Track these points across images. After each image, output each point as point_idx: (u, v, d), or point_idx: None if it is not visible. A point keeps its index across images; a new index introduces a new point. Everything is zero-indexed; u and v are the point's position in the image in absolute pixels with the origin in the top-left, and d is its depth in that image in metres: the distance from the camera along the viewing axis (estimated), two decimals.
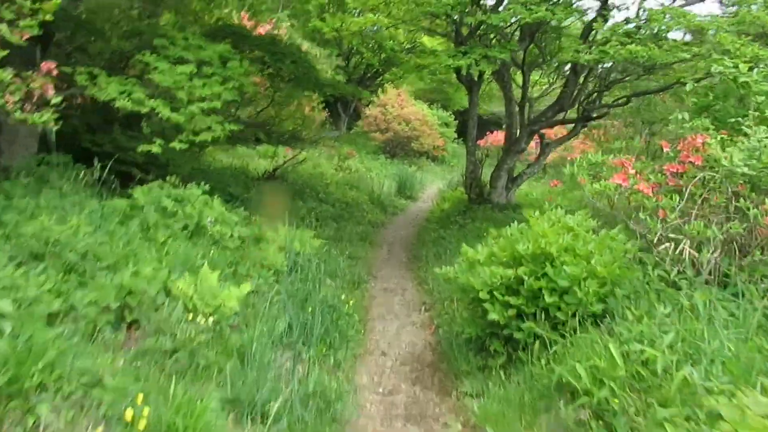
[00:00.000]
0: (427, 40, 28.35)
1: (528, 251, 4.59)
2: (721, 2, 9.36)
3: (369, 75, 31.45)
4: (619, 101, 9.94)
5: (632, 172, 4.81)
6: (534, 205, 11.16)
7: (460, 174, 16.33)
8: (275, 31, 13.29)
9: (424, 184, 18.18)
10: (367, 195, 13.79)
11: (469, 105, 11.18)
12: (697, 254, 4.72)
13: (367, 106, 25.70)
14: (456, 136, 30.66)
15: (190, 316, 3.92)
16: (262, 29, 12.84)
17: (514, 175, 10.91)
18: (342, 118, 31.43)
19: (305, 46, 23.43)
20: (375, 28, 26.22)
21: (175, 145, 6.01)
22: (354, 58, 32.07)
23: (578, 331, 4.25)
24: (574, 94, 9.84)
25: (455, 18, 9.77)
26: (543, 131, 11.11)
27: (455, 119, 30.17)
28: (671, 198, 4.54)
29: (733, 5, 7.68)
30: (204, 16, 13.18)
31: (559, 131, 14.44)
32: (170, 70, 6.14)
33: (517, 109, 11.08)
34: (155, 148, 5.83)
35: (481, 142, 27.69)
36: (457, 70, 10.90)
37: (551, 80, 12.52)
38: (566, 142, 11.21)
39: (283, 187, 12.02)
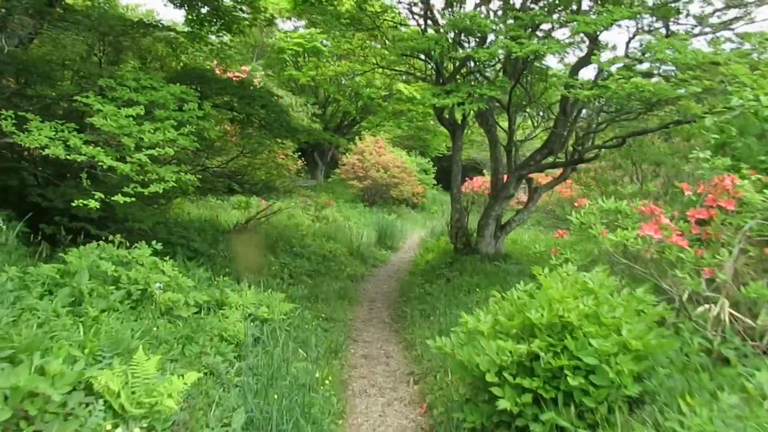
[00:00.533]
0: (404, 87, 28.16)
1: (542, 320, 3.73)
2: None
3: (346, 123, 31.02)
4: (612, 142, 9.34)
5: (665, 221, 4.02)
6: (527, 255, 10.46)
7: (444, 222, 15.58)
8: (250, 79, 12.66)
9: (405, 233, 17.37)
10: (346, 246, 12.91)
11: (452, 150, 10.51)
12: (739, 316, 3.93)
13: (345, 153, 25.10)
14: (435, 182, 30.15)
15: (110, 426, 2.95)
16: (235, 77, 12.17)
17: (502, 223, 10.16)
18: (319, 167, 30.77)
19: (280, 93, 22.99)
20: (350, 74, 25.95)
21: (119, 199, 5.12)
22: (331, 106, 31.69)
23: (612, 422, 3.37)
24: (564, 135, 9.22)
25: (436, 58, 9.17)
26: (530, 176, 10.43)
27: (433, 165, 29.70)
28: (712, 250, 3.76)
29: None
30: (171, 62, 12.49)
31: (543, 176, 13.92)
32: (114, 114, 5.30)
33: (502, 153, 10.42)
34: (92, 203, 4.92)
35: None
36: (439, 113, 10.27)
37: (536, 123, 11.95)
38: (555, 186, 10.54)
39: (255, 241, 11.08)
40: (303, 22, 27.50)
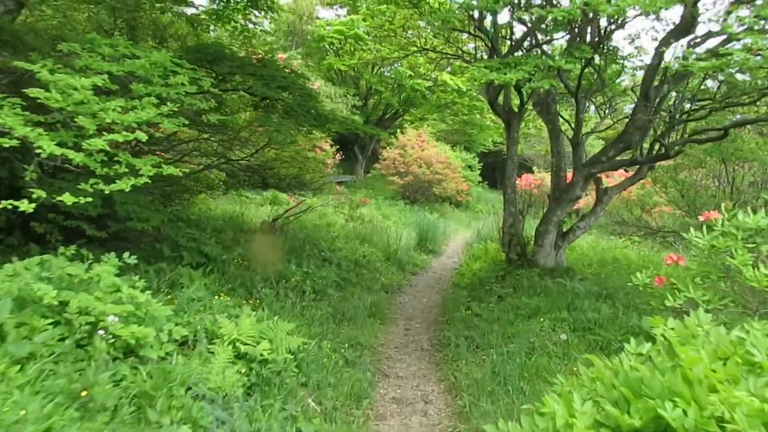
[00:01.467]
0: (449, 78, 26.49)
1: (686, 422, 2.20)
2: None
3: (388, 116, 29.57)
4: (707, 134, 7.60)
5: None
6: (591, 268, 8.77)
7: (492, 225, 14.00)
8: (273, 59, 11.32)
9: (448, 235, 15.80)
10: (382, 250, 11.47)
11: (506, 143, 8.90)
12: None
13: (386, 148, 23.64)
14: (481, 179, 28.40)
15: None
16: (256, 57, 10.87)
17: (563, 230, 8.53)
18: (359, 161, 29.44)
19: (319, 83, 21.72)
20: (392, 63, 24.45)
21: (66, 198, 3.79)
22: (372, 98, 30.28)
23: None
24: (646, 126, 7.51)
25: (490, 32, 7.60)
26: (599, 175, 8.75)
27: (479, 161, 27.97)
28: None
29: None
30: (191, 42, 11.29)
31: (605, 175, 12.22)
32: (68, 85, 3.97)
33: (566, 147, 8.80)
34: (23, 206, 3.60)
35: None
36: (493, 98, 8.69)
37: (603, 113, 10.22)
38: (628, 187, 8.84)
39: (279, 243, 9.75)
40: (344, 10, 26.16)
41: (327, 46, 24.62)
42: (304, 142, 11.05)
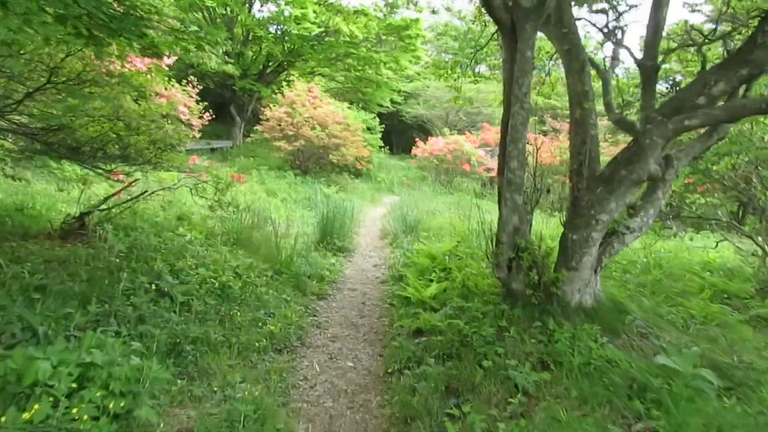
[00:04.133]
0: (343, 24, 21.79)
1: None
2: None
3: (270, 69, 24.34)
4: None
5: None
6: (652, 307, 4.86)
7: (403, 202, 10.01)
8: None
9: (355, 217, 11.50)
10: (268, 258, 6.95)
11: (509, 72, 4.50)
12: None
13: (269, 107, 18.64)
14: (382, 143, 24.22)
15: None
16: None
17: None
18: (237, 124, 24.11)
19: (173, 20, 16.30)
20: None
21: None
22: (251, 48, 24.83)
23: None
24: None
25: None
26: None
27: (380, 123, 23.71)
28: None
29: None
30: None
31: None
32: None
33: (591, 86, 4.77)
34: None
35: (413, 160, 21.00)
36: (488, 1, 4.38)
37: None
38: (704, 151, 4.98)
39: (77, 266, 5.02)
40: None
41: None
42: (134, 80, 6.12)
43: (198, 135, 15.98)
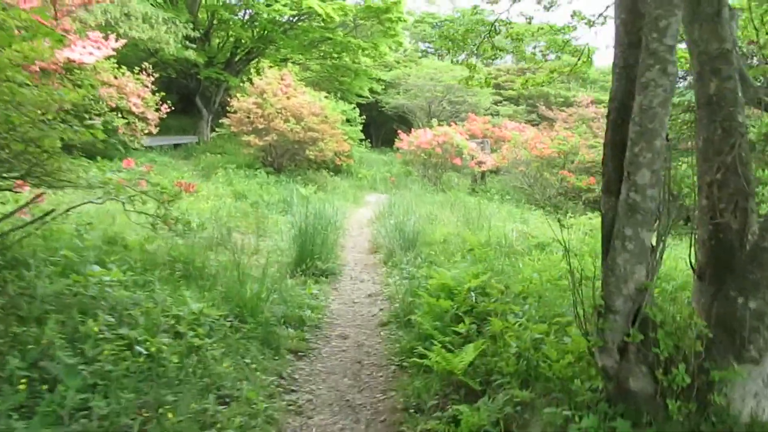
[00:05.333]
0: (316, 4, 19.69)
1: None
2: None
3: (239, 56, 22.15)
4: None
5: None
6: None
7: (387, 195, 8.23)
8: None
9: (340, 227, 9.56)
10: (228, 296, 5.02)
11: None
12: None
13: (237, 97, 16.47)
14: (363, 136, 22.21)
15: None
16: None
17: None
18: (204, 117, 21.92)
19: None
20: None
21: None
22: (217, 33, 22.59)
23: None
24: None
25: None
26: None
27: (360, 114, 21.68)
28: None
29: None
30: None
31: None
32: None
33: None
34: None
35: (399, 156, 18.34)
36: None
37: None
38: None
39: None
40: None
41: None
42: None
43: (155, 130, 13.90)
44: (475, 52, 7.13)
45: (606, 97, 3.10)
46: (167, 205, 5.49)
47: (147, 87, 13.76)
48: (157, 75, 13.83)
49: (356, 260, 7.88)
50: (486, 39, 6.94)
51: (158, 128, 14.11)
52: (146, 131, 13.44)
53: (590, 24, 6.57)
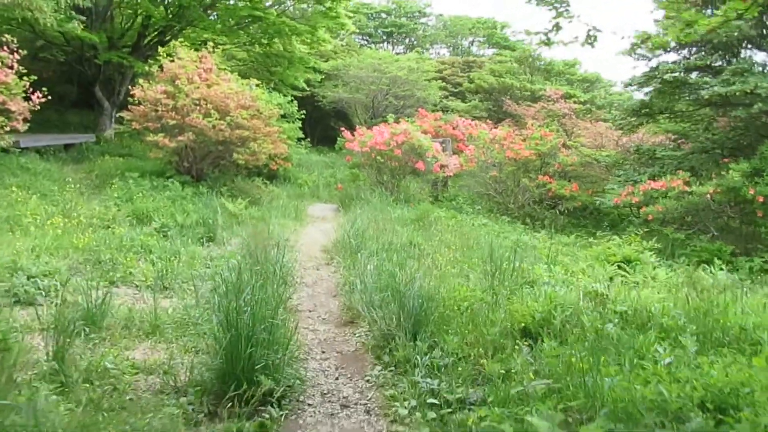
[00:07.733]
0: None
1: None
2: None
3: (150, 39, 18.12)
4: None
5: None
6: None
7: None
8: None
9: (287, 272, 6.24)
10: None
11: None
12: None
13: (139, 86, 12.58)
14: (303, 135, 18.68)
15: None
16: None
17: None
18: (106, 110, 17.77)
19: None
20: None
21: None
22: (122, 10, 18.45)
23: None
24: None
25: None
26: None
27: (298, 109, 18.13)
28: None
29: None
30: None
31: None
32: None
33: None
34: None
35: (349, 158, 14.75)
36: None
37: None
38: None
39: None
40: None
41: None
42: None
43: (23, 127, 10.05)
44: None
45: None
46: None
47: (10, 68, 9.90)
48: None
49: (324, 345, 4.66)
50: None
51: (29, 124, 10.24)
52: (7, 128, 9.59)
53: None
